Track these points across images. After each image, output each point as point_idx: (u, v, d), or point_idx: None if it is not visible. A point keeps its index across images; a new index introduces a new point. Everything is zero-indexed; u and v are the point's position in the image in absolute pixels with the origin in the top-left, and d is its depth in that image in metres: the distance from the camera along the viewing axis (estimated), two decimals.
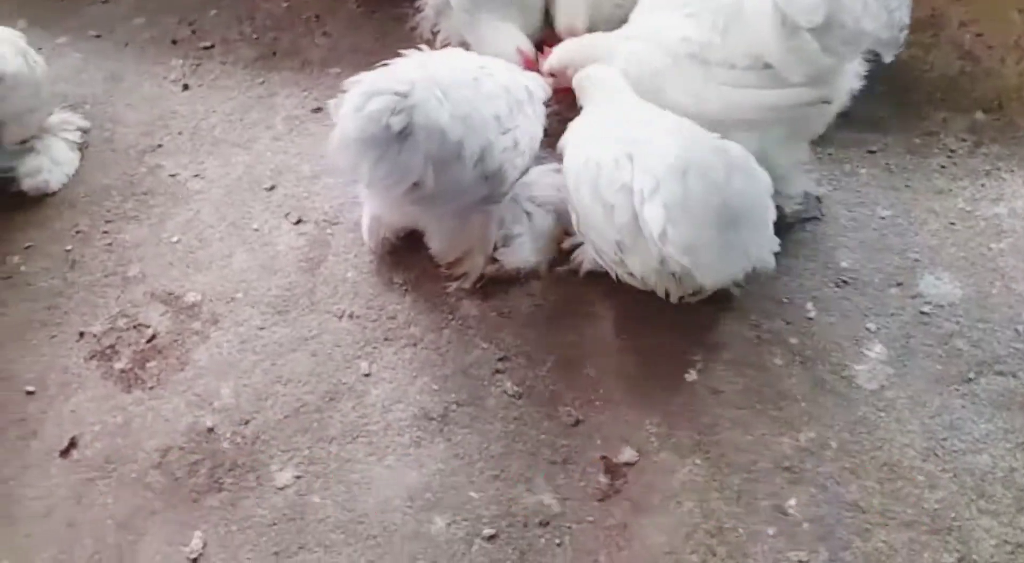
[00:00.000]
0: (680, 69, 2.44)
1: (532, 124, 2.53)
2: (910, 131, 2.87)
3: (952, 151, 2.81)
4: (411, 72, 2.28)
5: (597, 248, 2.43)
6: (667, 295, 2.38)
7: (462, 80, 2.35)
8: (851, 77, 2.46)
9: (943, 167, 2.78)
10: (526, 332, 2.54)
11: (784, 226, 2.59)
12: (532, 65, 2.97)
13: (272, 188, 2.97)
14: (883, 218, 2.68)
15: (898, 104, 2.95)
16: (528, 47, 2.97)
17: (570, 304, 2.58)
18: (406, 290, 2.67)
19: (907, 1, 2.17)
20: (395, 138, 2.18)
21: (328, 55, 3.37)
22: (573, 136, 2.51)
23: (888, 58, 2.20)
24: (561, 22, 3.00)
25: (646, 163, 2.22)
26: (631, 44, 2.59)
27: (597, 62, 2.67)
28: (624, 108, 2.44)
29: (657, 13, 2.55)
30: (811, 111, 2.43)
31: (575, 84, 2.61)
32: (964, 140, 2.83)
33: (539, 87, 2.61)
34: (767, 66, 2.33)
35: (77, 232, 2.93)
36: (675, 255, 2.17)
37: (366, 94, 2.20)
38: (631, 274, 2.36)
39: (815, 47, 2.20)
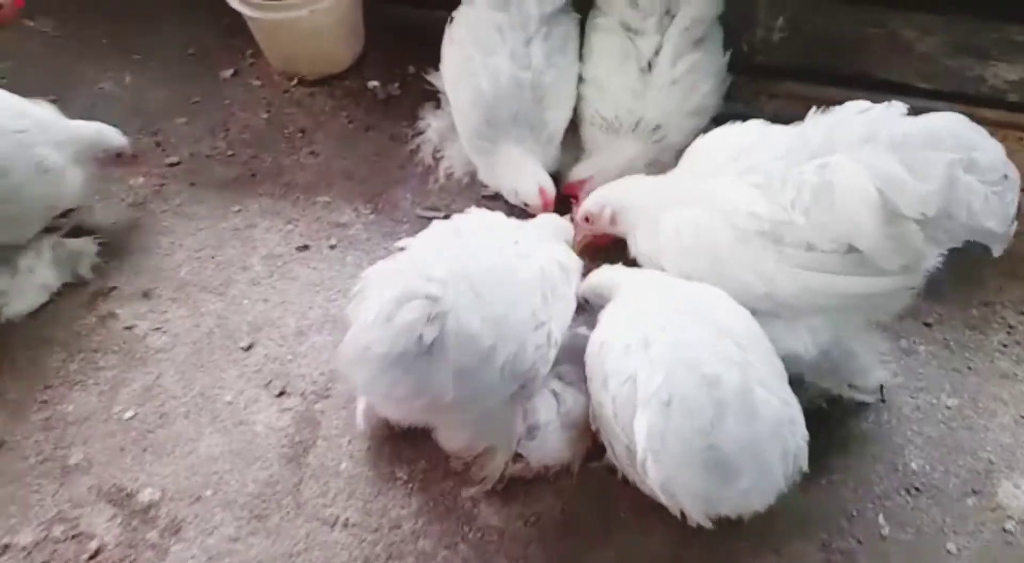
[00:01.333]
0: (747, 246, 2.06)
1: (566, 308, 2.14)
2: (965, 300, 2.57)
3: (1011, 326, 2.50)
4: (439, 261, 1.85)
5: (611, 448, 2.04)
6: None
7: (496, 268, 1.92)
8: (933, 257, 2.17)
9: (1005, 346, 2.49)
10: (557, 546, 2.12)
11: (843, 415, 2.28)
12: (551, 208, 2.61)
13: (249, 347, 2.48)
14: (949, 408, 2.34)
15: (947, 266, 2.69)
16: (550, 187, 2.60)
17: (608, 510, 2.14)
18: (411, 488, 2.18)
19: (1018, 190, 1.90)
20: (424, 350, 1.76)
21: (316, 179, 2.90)
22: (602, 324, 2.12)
23: (997, 252, 1.90)
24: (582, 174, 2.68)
25: (655, 354, 1.84)
26: (686, 211, 2.24)
27: (638, 210, 2.34)
28: (646, 288, 2.10)
29: (714, 180, 2.21)
30: (894, 298, 2.13)
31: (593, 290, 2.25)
32: (1023, 313, 2.58)
33: (573, 261, 2.23)
34: (852, 249, 2.02)
35: (6, 400, 2.39)
36: (655, 489, 1.81)
37: (397, 300, 1.75)
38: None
39: (920, 238, 1.87)
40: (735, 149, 2.16)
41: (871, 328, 2.24)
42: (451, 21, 2.73)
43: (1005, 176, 1.80)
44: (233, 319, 2.54)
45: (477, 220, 2.15)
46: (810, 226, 1.95)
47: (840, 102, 2.87)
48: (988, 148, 1.81)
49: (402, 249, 2.00)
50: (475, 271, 1.88)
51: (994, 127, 2.90)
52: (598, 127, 2.68)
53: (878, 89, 2.91)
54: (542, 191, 2.59)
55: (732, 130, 2.25)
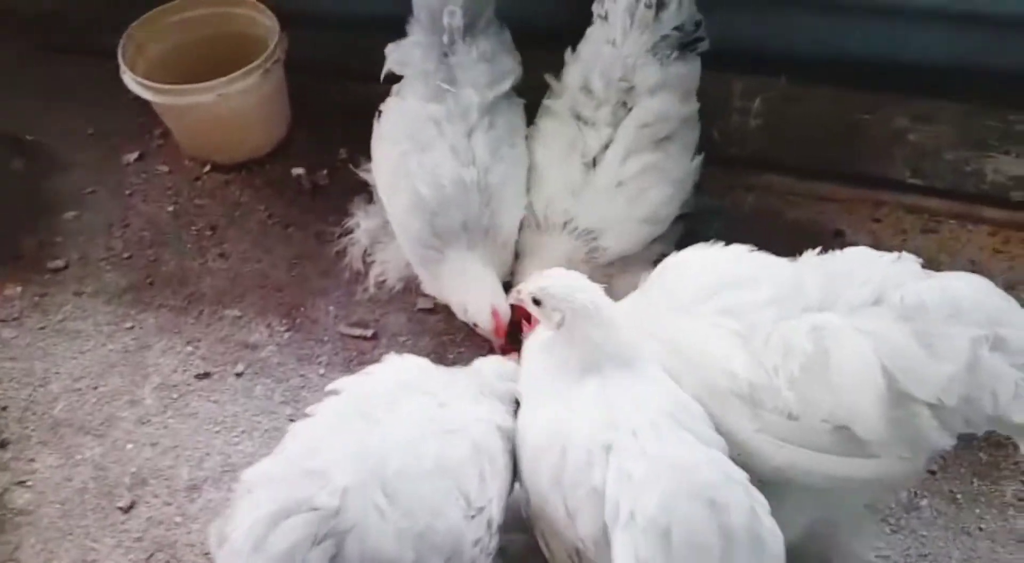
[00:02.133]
0: (720, 404, 1.70)
1: (506, 479, 1.76)
2: (971, 441, 2.25)
3: None
4: (337, 455, 1.43)
5: (548, 543, 1.65)
6: None
7: (416, 456, 1.49)
8: None
9: (1020, 499, 2.15)
10: None
11: None
12: (504, 333, 2.21)
13: (130, 508, 2.02)
14: None
15: None
16: (504, 309, 2.17)
17: None
18: None
19: None
20: None
21: (225, 288, 2.48)
22: (533, 382, 1.74)
23: None
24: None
25: (629, 467, 1.47)
26: (650, 343, 1.87)
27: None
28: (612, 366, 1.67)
29: (686, 318, 1.80)
30: (896, 483, 1.77)
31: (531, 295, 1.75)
32: None
33: (508, 415, 1.79)
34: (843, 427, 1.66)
35: None
36: None
37: (272, 517, 1.31)
38: None
39: (932, 426, 1.48)
40: (717, 281, 1.79)
41: (872, 515, 1.88)
42: (379, 116, 2.34)
43: None
44: (113, 470, 2.10)
45: (392, 376, 1.75)
46: (796, 400, 1.58)
47: (824, 199, 2.65)
48: (1018, 322, 1.46)
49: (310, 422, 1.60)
50: (388, 466, 1.47)
51: (995, 227, 2.64)
52: (530, 225, 2.29)
53: (867, 184, 2.61)
54: (495, 313, 2.18)
55: (717, 256, 1.84)
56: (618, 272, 2.29)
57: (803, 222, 2.55)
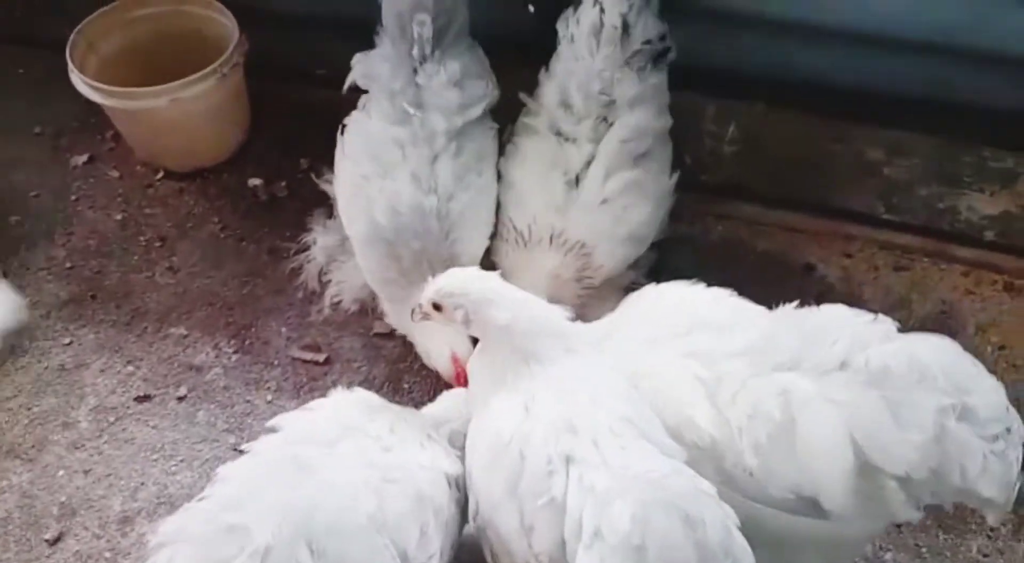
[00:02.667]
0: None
1: (452, 531, 1.66)
2: None
3: (992, 529, 2.14)
4: (261, 508, 1.30)
5: (497, 560, 1.54)
6: None
7: (351, 508, 1.37)
8: None
9: (985, 555, 2.06)
10: None
11: None
12: (463, 381, 2.03)
13: (57, 540, 1.89)
14: None
15: None
16: (465, 352, 2.02)
17: None
18: None
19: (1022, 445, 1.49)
20: None
21: (172, 304, 2.34)
22: (478, 392, 1.62)
23: (994, 521, 1.49)
24: None
25: (591, 479, 1.37)
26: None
27: None
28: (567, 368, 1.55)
29: (653, 353, 1.67)
30: (859, 543, 1.70)
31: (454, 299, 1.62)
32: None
33: (458, 461, 1.67)
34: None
35: None
36: None
37: None
38: None
39: (899, 498, 1.41)
40: (691, 321, 1.70)
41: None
42: (343, 130, 2.20)
43: (1008, 429, 1.38)
44: (42, 498, 1.97)
45: (335, 414, 1.65)
46: (760, 468, 1.49)
47: (795, 230, 2.52)
48: (987, 390, 1.39)
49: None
50: (317, 521, 1.37)
51: (968, 267, 2.58)
52: (511, 241, 2.17)
53: (839, 217, 2.53)
54: (454, 360, 2.06)
55: (696, 295, 1.78)
56: (591, 299, 2.21)
57: (773, 254, 2.48)
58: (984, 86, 2.36)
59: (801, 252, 2.48)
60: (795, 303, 1.66)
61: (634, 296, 1.88)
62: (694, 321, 1.65)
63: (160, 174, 2.63)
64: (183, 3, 2.61)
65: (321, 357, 2.23)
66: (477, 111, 2.18)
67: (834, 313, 1.58)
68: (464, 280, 1.59)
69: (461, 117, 2.14)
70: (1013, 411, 1.40)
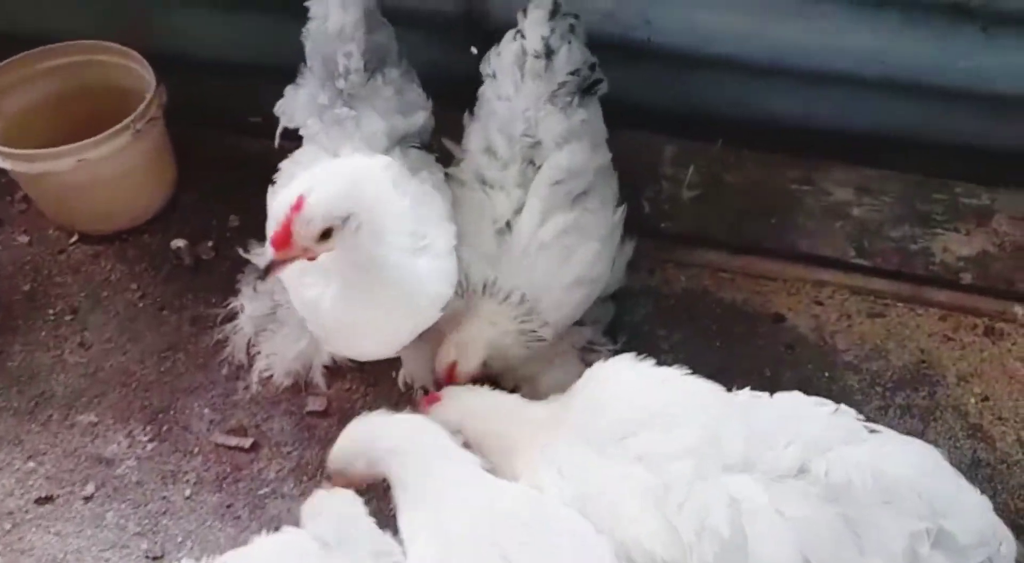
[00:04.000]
0: None
1: None
2: None
3: None
4: None
5: None
6: None
7: None
8: None
9: None
10: None
11: None
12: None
13: None
14: None
15: None
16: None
17: None
18: None
19: None
20: None
21: (81, 386, 2.07)
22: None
23: None
24: (446, 357, 1.92)
25: None
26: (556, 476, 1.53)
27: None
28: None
29: (598, 459, 1.46)
30: None
31: None
32: None
33: None
34: None
35: None
36: None
37: None
38: None
39: None
40: (637, 417, 1.48)
41: None
42: (273, 186, 1.93)
43: (990, 558, 1.18)
44: None
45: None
46: None
47: (762, 277, 2.29)
48: (968, 510, 1.18)
49: None
50: None
51: (946, 312, 2.36)
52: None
53: (808, 262, 2.32)
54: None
55: (643, 380, 1.58)
56: (545, 361, 1.99)
57: (739, 304, 2.26)
58: (953, 123, 2.20)
59: (769, 301, 2.27)
60: (747, 390, 1.45)
61: (582, 379, 1.69)
62: (641, 416, 1.45)
63: (75, 238, 2.37)
64: (95, 52, 2.37)
65: (247, 442, 1.96)
66: (418, 119, 1.97)
67: (791, 403, 1.39)
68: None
69: (402, 119, 1.93)
70: (1003, 530, 1.20)
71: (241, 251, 2.10)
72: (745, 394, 1.45)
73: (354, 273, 1.62)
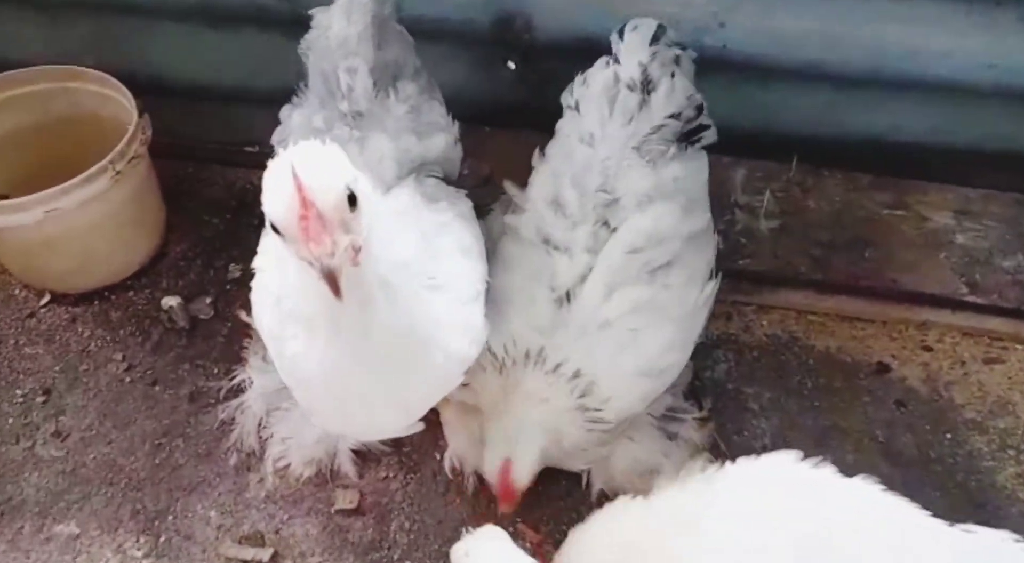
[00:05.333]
0: None
1: None
2: None
3: None
4: None
5: None
6: None
7: None
8: None
9: None
10: None
11: None
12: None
13: None
14: None
15: None
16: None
17: None
18: None
19: None
20: None
21: (59, 487, 1.67)
22: None
23: None
24: (495, 456, 1.54)
25: None
26: None
27: None
28: None
29: None
30: None
31: None
32: None
33: None
34: None
35: None
36: None
37: None
38: None
39: None
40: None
41: None
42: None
43: None
44: None
45: None
46: None
47: (859, 320, 1.99)
48: None
49: None
50: None
51: None
52: (488, 369, 1.55)
53: (911, 300, 1.99)
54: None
55: (811, 496, 1.18)
56: (616, 437, 1.62)
57: (835, 353, 1.92)
58: None
59: (869, 348, 1.93)
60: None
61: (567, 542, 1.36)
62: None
63: (46, 299, 1.98)
64: (65, 79, 1.99)
65: (266, 554, 1.57)
66: (438, 142, 1.58)
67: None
68: None
69: (416, 141, 1.54)
70: None
71: (244, 315, 1.74)
72: (942, 527, 1.09)
73: (350, 315, 1.19)
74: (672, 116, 1.59)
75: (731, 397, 1.85)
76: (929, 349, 1.93)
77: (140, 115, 1.91)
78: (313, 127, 1.56)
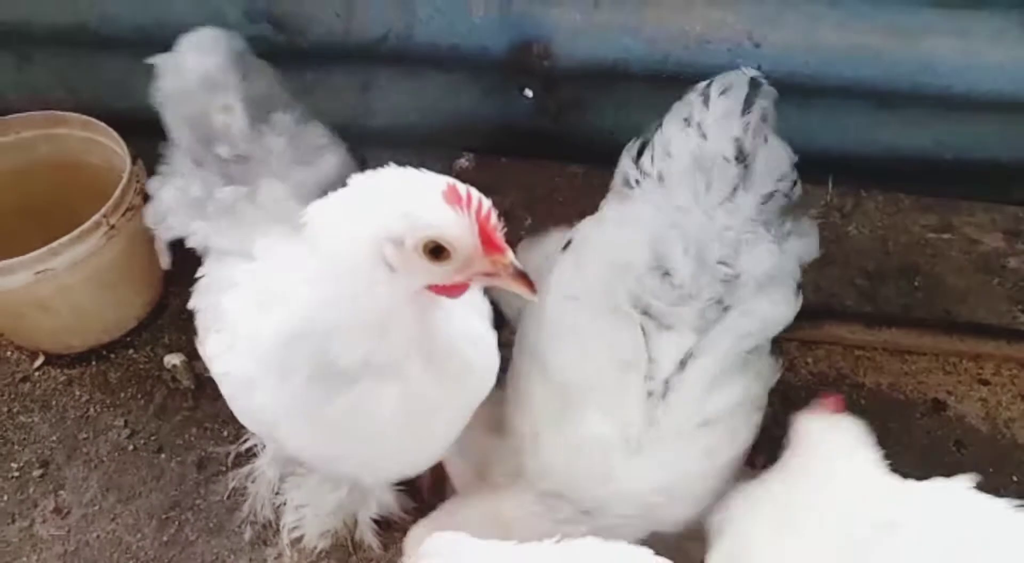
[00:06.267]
0: None
1: None
2: None
3: None
4: None
5: None
6: None
7: None
8: None
9: None
10: None
11: None
12: None
13: None
14: None
15: None
16: None
17: None
18: None
19: None
20: None
21: None
22: None
23: None
24: None
25: None
26: None
27: None
28: None
29: None
30: None
31: None
32: None
33: None
34: None
35: None
36: None
37: None
38: None
39: None
40: None
41: None
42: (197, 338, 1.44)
43: None
44: None
45: None
46: None
47: (909, 353, 1.84)
48: None
49: None
50: None
51: None
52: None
53: (963, 331, 1.89)
54: None
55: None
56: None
57: (886, 390, 1.80)
58: None
59: (923, 384, 1.81)
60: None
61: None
62: None
63: (40, 360, 1.85)
64: (50, 125, 1.86)
65: None
66: (329, 162, 1.43)
67: None
68: None
69: (306, 170, 1.40)
70: None
71: None
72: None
73: (428, 345, 1.14)
74: (780, 179, 1.37)
75: (779, 443, 1.74)
76: (986, 383, 1.81)
77: (134, 161, 1.78)
78: (192, 198, 1.42)
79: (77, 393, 1.82)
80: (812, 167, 1.91)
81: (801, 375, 1.84)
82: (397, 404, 1.17)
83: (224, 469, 1.68)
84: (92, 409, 1.79)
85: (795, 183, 1.38)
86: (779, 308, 1.35)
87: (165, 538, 1.60)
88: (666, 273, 1.31)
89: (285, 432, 1.29)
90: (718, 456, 1.33)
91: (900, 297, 1.86)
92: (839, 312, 1.86)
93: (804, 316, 1.83)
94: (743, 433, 1.35)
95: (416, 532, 1.36)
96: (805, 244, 1.39)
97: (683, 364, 1.29)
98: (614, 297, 1.32)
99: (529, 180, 1.97)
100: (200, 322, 1.41)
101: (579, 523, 1.31)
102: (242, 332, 1.29)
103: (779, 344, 1.49)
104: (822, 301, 1.87)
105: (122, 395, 1.81)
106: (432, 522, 1.36)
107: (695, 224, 1.31)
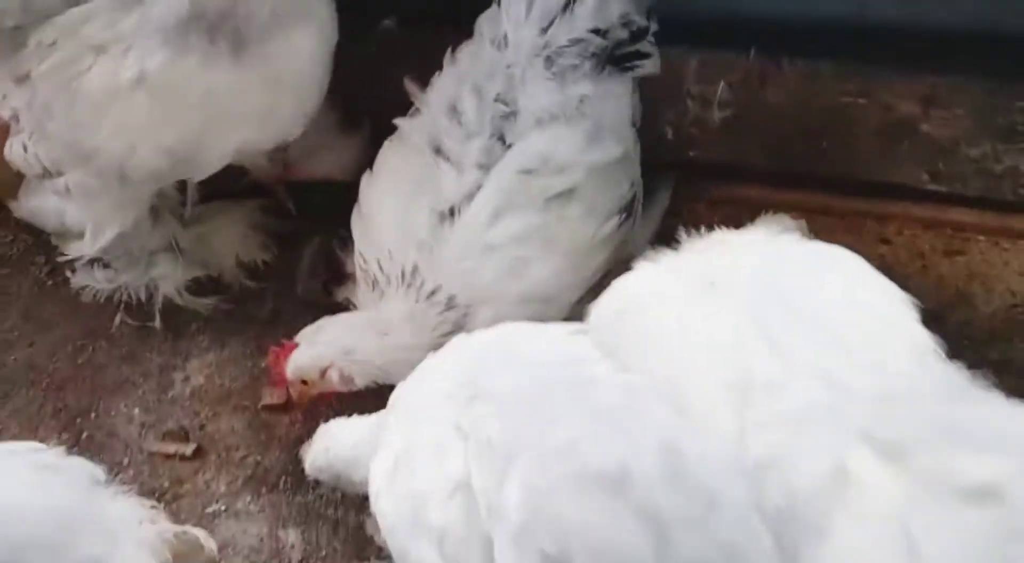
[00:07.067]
0: None
1: None
2: None
3: None
4: None
5: None
6: None
7: None
8: None
9: None
10: None
11: None
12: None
13: None
14: None
15: None
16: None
17: None
18: None
19: None
20: None
21: None
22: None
23: None
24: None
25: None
26: None
27: None
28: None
29: None
30: None
31: None
32: None
33: None
34: None
35: None
36: None
37: None
38: None
39: None
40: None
41: None
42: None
43: None
44: None
45: None
46: None
47: (814, 213, 1.84)
48: None
49: None
50: None
51: None
52: (361, 282, 1.54)
53: (869, 192, 1.94)
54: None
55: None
56: None
57: None
58: None
59: (825, 241, 1.88)
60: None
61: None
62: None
63: None
64: None
65: (189, 449, 1.56)
66: None
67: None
68: None
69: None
70: None
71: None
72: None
73: None
74: (596, 30, 1.47)
75: None
76: (887, 242, 1.87)
77: None
78: None
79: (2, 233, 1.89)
80: (736, 34, 1.99)
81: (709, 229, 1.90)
82: None
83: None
84: (13, 244, 1.86)
85: (618, 43, 1.46)
86: (562, 145, 1.43)
87: (79, 361, 1.71)
88: (456, 112, 1.43)
89: None
90: (508, 280, 1.44)
91: (810, 160, 1.89)
92: (748, 171, 1.91)
93: (713, 176, 1.94)
94: (537, 265, 1.45)
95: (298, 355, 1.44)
96: (607, 90, 1.47)
97: (471, 196, 1.42)
98: (420, 136, 1.47)
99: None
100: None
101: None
102: None
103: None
104: (732, 160, 1.90)
105: (44, 235, 1.88)
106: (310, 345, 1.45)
107: (488, 60, 1.42)
